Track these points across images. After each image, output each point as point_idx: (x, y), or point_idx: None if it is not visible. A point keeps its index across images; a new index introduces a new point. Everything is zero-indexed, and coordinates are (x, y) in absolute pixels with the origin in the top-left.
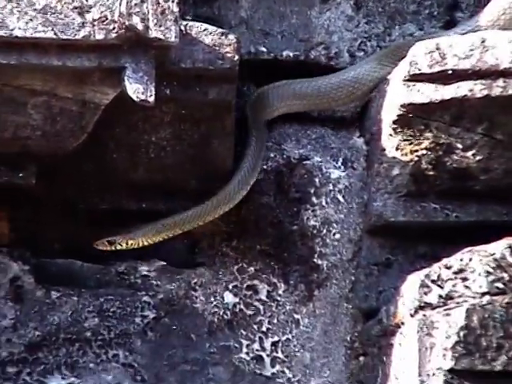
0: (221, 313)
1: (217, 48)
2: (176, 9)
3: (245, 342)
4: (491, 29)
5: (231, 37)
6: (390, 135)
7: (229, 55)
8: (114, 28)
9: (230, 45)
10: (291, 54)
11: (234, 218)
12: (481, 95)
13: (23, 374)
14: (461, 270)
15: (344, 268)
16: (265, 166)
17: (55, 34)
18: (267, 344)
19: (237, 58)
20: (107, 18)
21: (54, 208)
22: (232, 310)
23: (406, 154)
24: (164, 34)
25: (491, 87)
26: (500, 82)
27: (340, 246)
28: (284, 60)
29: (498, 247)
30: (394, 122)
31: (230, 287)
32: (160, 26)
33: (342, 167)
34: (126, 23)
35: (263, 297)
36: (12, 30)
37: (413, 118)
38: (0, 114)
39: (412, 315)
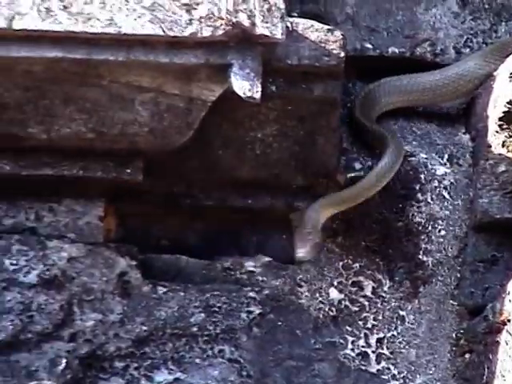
0: (326, 309)
1: (323, 45)
2: (282, 5)
3: (350, 339)
4: None
5: (337, 33)
6: (496, 132)
7: (335, 52)
8: (220, 25)
9: (335, 41)
10: (397, 51)
11: (339, 215)
12: None
13: (130, 369)
14: None
15: (449, 265)
16: (369, 162)
17: (163, 30)
18: (372, 340)
19: (343, 54)
20: (214, 15)
21: (161, 204)
22: (337, 306)
23: None
24: (270, 31)
25: None
26: None
27: (445, 242)
28: (390, 56)
29: None
30: (500, 119)
31: (335, 283)
32: (266, 23)
33: (448, 164)
34: (233, 20)
35: (368, 293)
36: (120, 27)
37: None
38: (108, 111)
39: None
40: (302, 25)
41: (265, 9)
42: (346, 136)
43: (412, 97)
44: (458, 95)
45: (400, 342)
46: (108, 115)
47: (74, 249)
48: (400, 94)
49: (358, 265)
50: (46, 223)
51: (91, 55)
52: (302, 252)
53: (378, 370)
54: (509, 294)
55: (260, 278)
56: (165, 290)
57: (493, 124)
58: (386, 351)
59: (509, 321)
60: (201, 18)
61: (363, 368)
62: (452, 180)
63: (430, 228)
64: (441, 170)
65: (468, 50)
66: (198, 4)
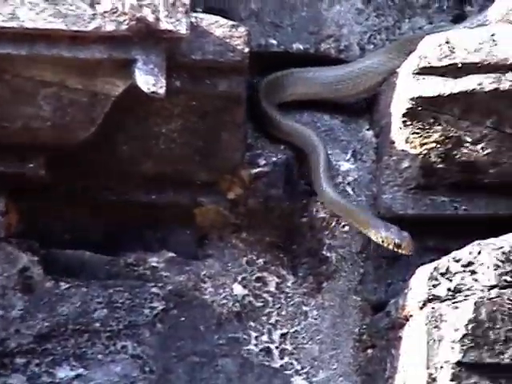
0: (230, 304)
1: (227, 40)
2: (187, 1)
3: (253, 334)
4: (501, 23)
5: (241, 29)
6: (400, 128)
7: (239, 47)
8: (124, 20)
9: (240, 37)
10: (301, 47)
11: (242, 210)
12: (490, 89)
13: (32, 365)
14: (469, 263)
15: (353, 260)
16: (274, 158)
17: (66, 25)
18: (276, 336)
19: (247, 50)
20: (118, 10)
21: (64, 199)
22: (241, 301)
23: (416, 147)
24: (175, 26)
25: (500, 81)
26: (509, 75)
27: (349, 238)
28: (294, 53)
29: (507, 240)
30: (404, 115)
31: (239, 279)
32: (171, 18)
33: (352, 160)
34: (137, 15)
35: (272, 289)
36: (23, 21)
37: (422, 111)
38: (10, 105)
39: (420, 308)
40: (207, 20)
41: (169, 4)
42: (250, 132)
43: (315, 90)
44: (361, 91)
45: (303, 338)
46: (10, 109)
47: None
48: (304, 86)
49: (261, 260)
50: None
51: None
52: None
53: (281, 366)
54: (411, 289)
55: (163, 274)
56: (67, 285)
57: (396, 120)
58: (289, 347)
59: (411, 316)
60: (104, 12)
61: (266, 363)
62: (356, 176)
63: (333, 224)
64: (345, 166)
65: (372, 46)
66: None
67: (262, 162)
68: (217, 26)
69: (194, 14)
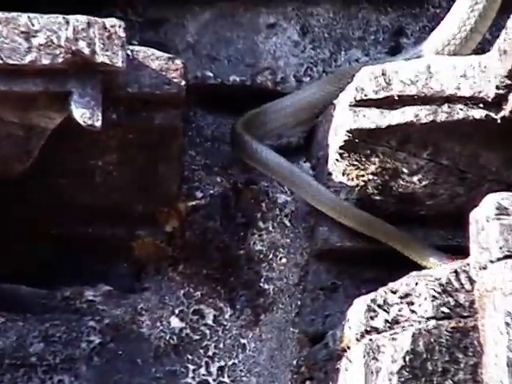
0: (167, 337)
1: (163, 73)
2: (123, 34)
3: (191, 367)
4: (436, 55)
5: (178, 62)
6: (337, 160)
7: (175, 80)
8: (60, 53)
9: (176, 70)
10: (238, 79)
11: (179, 243)
12: (426, 121)
13: None
14: (407, 295)
15: (290, 292)
16: (211, 191)
17: (1, 58)
18: (213, 369)
19: (183, 82)
20: (53, 43)
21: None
22: (178, 334)
23: (353, 179)
24: (111, 59)
25: (436, 113)
26: (445, 107)
27: (286, 270)
28: (231, 85)
29: (444, 272)
30: (341, 147)
31: (177, 312)
32: (107, 51)
33: (289, 192)
34: (73, 48)
35: (209, 321)
36: None
37: (359, 143)
38: None
39: (358, 339)
40: (143, 53)
41: (105, 37)
42: (187, 164)
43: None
44: (297, 124)
45: (241, 370)
46: None
47: None
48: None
49: (199, 293)
50: None
51: None
52: None
53: None
54: (348, 321)
55: (100, 307)
56: (3, 319)
57: (333, 152)
58: (226, 379)
59: (349, 348)
60: (40, 45)
61: None
62: (293, 208)
63: (271, 256)
64: (282, 198)
65: (308, 78)
66: (36, 32)
67: (199, 194)
68: (153, 58)
69: (130, 47)
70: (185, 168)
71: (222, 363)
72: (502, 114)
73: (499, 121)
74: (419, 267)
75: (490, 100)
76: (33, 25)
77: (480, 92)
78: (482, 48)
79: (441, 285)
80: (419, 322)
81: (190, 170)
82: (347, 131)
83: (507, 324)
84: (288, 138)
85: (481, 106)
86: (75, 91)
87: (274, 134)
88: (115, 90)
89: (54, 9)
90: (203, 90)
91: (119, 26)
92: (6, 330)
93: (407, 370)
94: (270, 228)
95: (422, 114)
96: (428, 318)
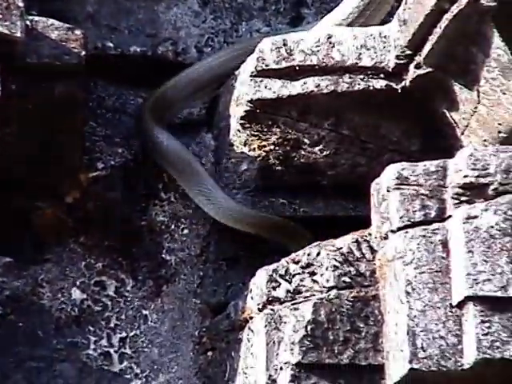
0: (68, 309)
1: (63, 43)
2: (21, 3)
3: (92, 338)
4: (337, 26)
5: (78, 32)
6: (238, 131)
7: (75, 50)
8: None
9: (76, 40)
10: (138, 50)
11: (81, 214)
12: (327, 91)
13: None
14: (308, 265)
15: (192, 263)
16: (112, 162)
17: None
18: (115, 340)
19: (83, 53)
20: None
21: None
22: (79, 306)
23: (254, 150)
24: (9, 29)
25: (337, 83)
26: (346, 78)
27: (188, 241)
28: (131, 55)
29: (345, 242)
30: (242, 118)
31: (78, 283)
32: (5, 21)
33: None
34: None
35: (111, 293)
36: None
37: (260, 113)
38: None
39: (260, 310)
40: (42, 23)
41: (3, 7)
42: (88, 135)
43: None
44: (199, 95)
45: (143, 341)
46: None
47: None
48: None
49: (100, 264)
50: None
51: None
52: None
53: (120, 370)
54: (251, 291)
55: (0, 279)
56: None
57: (235, 123)
58: (128, 350)
59: (251, 318)
60: None
61: (105, 368)
62: None
63: (173, 227)
64: None
65: (209, 49)
66: None
67: (101, 165)
68: (52, 28)
69: (30, 17)
70: (86, 139)
71: (124, 334)
72: (402, 84)
73: (400, 91)
74: (322, 237)
75: (390, 70)
76: None
77: (381, 62)
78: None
79: (342, 254)
80: (321, 291)
81: (91, 140)
82: (248, 102)
83: (407, 293)
84: (190, 110)
85: (382, 76)
86: None
87: (179, 109)
88: (14, 60)
89: None
90: (104, 61)
91: None
92: None
93: (309, 339)
94: (172, 199)
95: (323, 84)
96: (329, 288)
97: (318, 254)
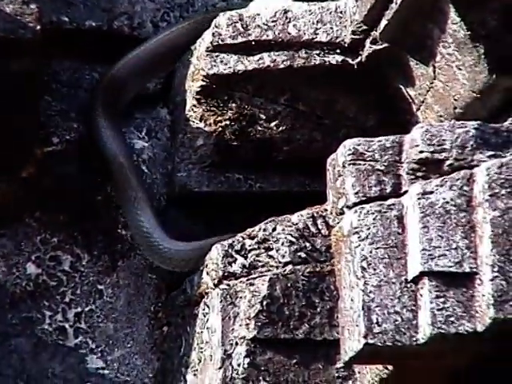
0: (23, 284)
1: (18, 17)
2: None
3: (48, 313)
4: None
5: (33, 6)
6: (194, 106)
7: (30, 25)
8: None
9: (31, 14)
10: (94, 24)
11: (36, 189)
12: (283, 66)
13: None
14: (264, 240)
15: None
16: (67, 136)
17: None
18: (70, 315)
19: (39, 27)
20: None
21: None
22: (34, 281)
23: (210, 125)
24: None
25: (293, 58)
26: (302, 53)
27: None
28: (87, 30)
29: (301, 217)
30: (198, 93)
31: (33, 258)
32: None
33: (146, 137)
34: None
35: (66, 268)
36: None
37: (216, 88)
38: None
39: (216, 285)
40: None
41: None
42: (43, 109)
43: None
44: (154, 70)
45: (98, 316)
46: None
47: None
48: None
49: (55, 239)
50: None
51: None
52: None
53: (75, 345)
54: (206, 266)
55: None
56: None
57: (191, 98)
58: (83, 325)
59: (206, 293)
60: None
61: (61, 342)
62: (150, 154)
63: None
64: (139, 144)
65: (165, 23)
66: None
67: (56, 140)
68: (7, 2)
69: None
70: (41, 114)
71: (79, 309)
72: (358, 59)
73: (356, 66)
74: (278, 212)
75: (346, 46)
76: None
77: (337, 38)
78: None
79: (298, 230)
80: (276, 267)
81: (46, 115)
82: (204, 76)
83: (363, 268)
84: (145, 85)
85: (338, 51)
86: None
87: (135, 86)
88: None
89: None
90: (59, 35)
91: None
92: None
93: (264, 314)
94: None
95: (279, 59)
96: (285, 263)
97: (274, 229)
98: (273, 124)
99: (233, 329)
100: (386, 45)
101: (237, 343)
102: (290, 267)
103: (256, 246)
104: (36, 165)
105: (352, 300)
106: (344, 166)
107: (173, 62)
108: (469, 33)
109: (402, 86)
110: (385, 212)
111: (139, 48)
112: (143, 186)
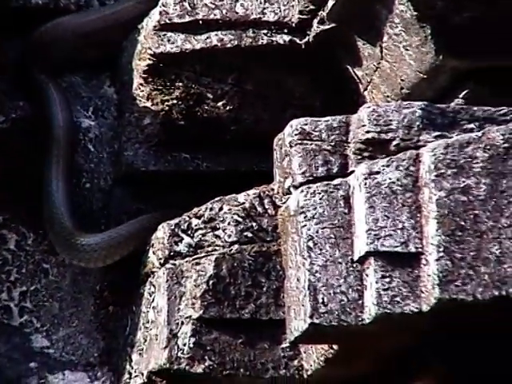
0: None
1: None
2: None
3: None
4: None
5: None
6: (141, 85)
7: None
8: None
9: None
10: (40, 2)
11: None
12: (230, 45)
13: None
14: (211, 219)
15: (94, 217)
16: (14, 115)
17: None
18: (15, 294)
19: None
20: None
21: None
22: None
23: (157, 104)
24: None
25: (241, 38)
26: (250, 32)
27: (90, 195)
28: (33, 7)
29: (248, 197)
30: (145, 72)
31: None
32: None
33: (93, 116)
34: None
35: (12, 246)
36: None
37: (164, 67)
38: None
39: (162, 264)
40: None
41: None
42: None
43: None
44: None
45: (43, 296)
46: None
47: None
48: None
49: (1, 218)
50: None
51: None
52: None
53: (20, 324)
54: (152, 246)
55: None
56: None
57: (138, 77)
58: (29, 304)
59: (152, 273)
60: None
61: (5, 322)
62: (97, 133)
63: (74, 181)
64: (86, 123)
65: (112, 1)
66: None
67: (1, 118)
68: None
69: None
70: None
71: (24, 288)
72: (306, 39)
73: (303, 46)
74: (225, 192)
75: (294, 25)
76: None
77: (284, 17)
78: None
79: (244, 209)
80: (223, 246)
81: None
82: (151, 55)
83: (309, 248)
84: (92, 62)
85: (285, 31)
86: None
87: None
88: None
89: None
90: (5, 14)
91: None
92: None
93: (210, 294)
94: None
95: (226, 38)
96: (231, 243)
97: (221, 208)
98: (220, 103)
99: (179, 308)
100: (333, 25)
101: (183, 323)
102: (236, 247)
103: (202, 226)
104: None
105: (298, 280)
106: (291, 146)
107: (114, 37)
108: (416, 13)
109: (349, 66)
110: (331, 192)
111: (75, 14)
112: (72, 164)
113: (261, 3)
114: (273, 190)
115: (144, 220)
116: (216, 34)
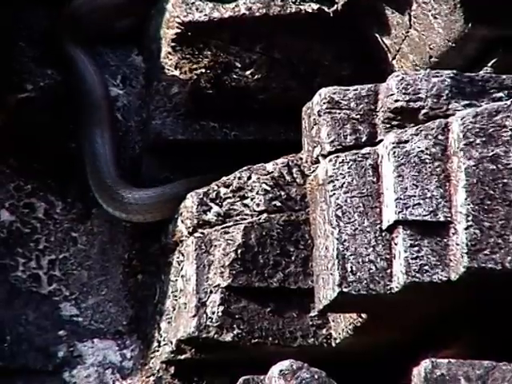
0: None
1: None
2: None
3: (21, 260)
4: None
5: None
6: (169, 53)
7: None
8: None
9: None
10: None
11: (9, 136)
12: (259, 14)
13: None
14: (239, 189)
15: None
16: (41, 83)
17: None
18: (44, 262)
19: None
20: None
21: None
22: (8, 227)
23: (186, 73)
24: None
25: (269, 6)
26: (278, 0)
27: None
28: None
29: (276, 166)
30: (173, 40)
31: (7, 205)
32: None
33: (121, 85)
34: None
35: (40, 215)
36: None
37: (192, 36)
38: None
39: (190, 233)
40: None
41: None
42: (16, 55)
43: None
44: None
45: (72, 264)
46: None
47: None
48: None
49: (30, 186)
50: None
51: None
52: None
53: (49, 292)
54: (181, 215)
55: None
56: None
57: (166, 45)
58: (57, 273)
59: (181, 241)
60: None
61: (34, 290)
62: (125, 102)
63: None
64: (114, 92)
65: None
66: None
67: (29, 86)
68: None
69: None
70: (14, 60)
71: (53, 256)
72: (334, 7)
73: (332, 15)
74: (253, 161)
75: None
76: None
77: None
78: None
79: (273, 178)
80: (251, 215)
81: (18, 61)
82: (179, 24)
83: (338, 217)
84: (119, 31)
85: None
86: None
87: (104, 27)
88: None
89: None
90: None
91: None
92: None
93: (239, 263)
94: None
95: (254, 7)
96: (260, 212)
97: (249, 177)
98: (248, 72)
99: (207, 277)
100: None
101: (211, 291)
102: (264, 216)
103: (231, 195)
104: (9, 112)
105: (327, 249)
106: (319, 115)
107: (146, 9)
108: None
109: (377, 35)
110: (360, 161)
111: None
112: (115, 126)
113: None
114: (301, 159)
115: (192, 182)
116: (244, 3)
